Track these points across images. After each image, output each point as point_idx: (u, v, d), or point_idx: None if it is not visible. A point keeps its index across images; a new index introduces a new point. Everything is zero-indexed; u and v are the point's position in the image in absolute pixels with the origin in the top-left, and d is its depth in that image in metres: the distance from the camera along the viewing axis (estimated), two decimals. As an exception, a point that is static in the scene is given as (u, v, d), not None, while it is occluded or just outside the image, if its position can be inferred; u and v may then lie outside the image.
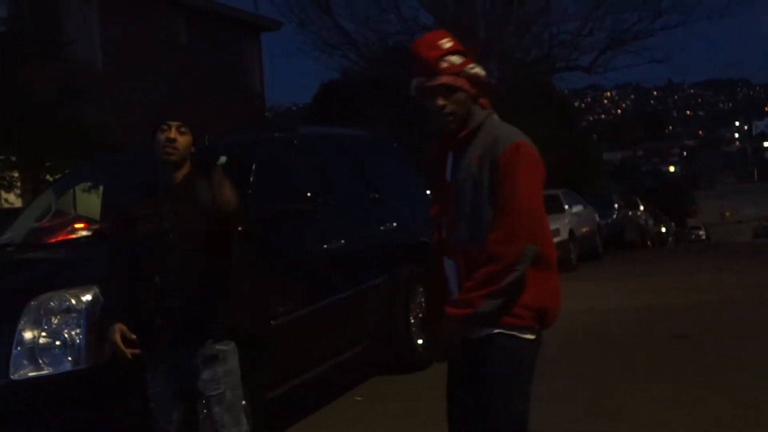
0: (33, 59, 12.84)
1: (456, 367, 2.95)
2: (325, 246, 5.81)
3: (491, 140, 2.80)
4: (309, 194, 5.33)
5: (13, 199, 13.39)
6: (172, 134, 3.52)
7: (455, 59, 2.80)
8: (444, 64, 2.78)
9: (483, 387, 2.83)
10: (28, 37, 13.25)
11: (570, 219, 16.77)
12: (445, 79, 2.77)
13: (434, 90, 2.78)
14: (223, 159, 3.68)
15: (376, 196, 6.91)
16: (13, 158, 13.13)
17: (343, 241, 6.02)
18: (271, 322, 4.91)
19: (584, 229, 17.58)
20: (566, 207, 17.20)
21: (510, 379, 2.82)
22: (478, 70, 2.85)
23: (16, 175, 13.33)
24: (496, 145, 2.78)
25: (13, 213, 7.05)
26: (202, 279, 3.39)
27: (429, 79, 2.78)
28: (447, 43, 2.82)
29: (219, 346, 3.45)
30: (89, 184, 6.40)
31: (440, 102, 2.79)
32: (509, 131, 2.85)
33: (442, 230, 2.92)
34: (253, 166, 5.28)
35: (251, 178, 5.21)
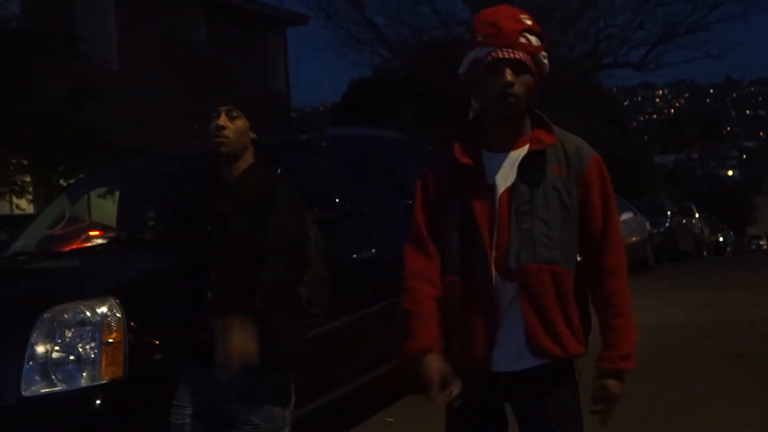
0: (46, 57, 13.00)
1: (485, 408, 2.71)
2: (354, 256, 5.82)
3: (569, 150, 2.68)
4: (337, 201, 5.34)
5: (25, 205, 13.58)
6: (221, 120, 3.33)
7: (533, 39, 2.62)
8: (522, 40, 2.59)
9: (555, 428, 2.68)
10: (40, 33, 13.43)
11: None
12: (521, 55, 2.57)
13: (504, 63, 2.56)
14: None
15: (410, 202, 6.92)
16: (25, 162, 13.32)
17: (374, 250, 6.03)
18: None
19: (633, 239, 17.42)
20: (614, 214, 17.07)
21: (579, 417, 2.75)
22: (547, 63, 2.68)
23: (27, 179, 13.51)
24: (578, 156, 2.67)
25: (25, 220, 7.16)
26: (248, 297, 3.16)
27: (502, 50, 2.56)
28: (528, 20, 2.63)
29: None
30: (105, 189, 6.47)
31: (509, 77, 2.56)
32: (581, 140, 2.75)
33: (490, 245, 2.61)
34: (278, 171, 5.30)
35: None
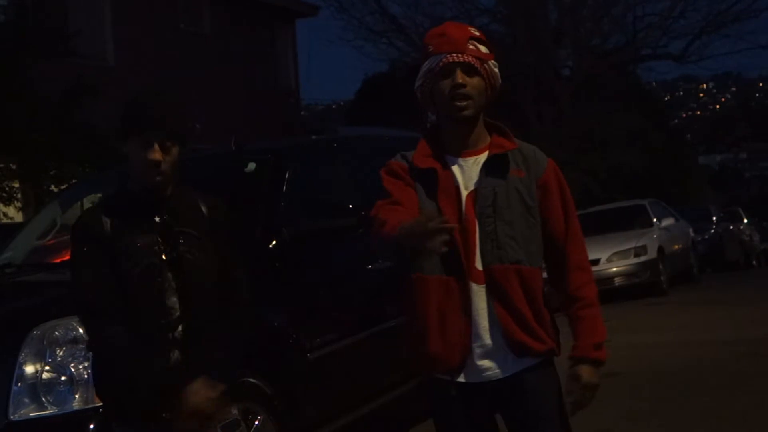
0: (36, 53, 13.05)
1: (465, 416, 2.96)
2: (369, 267, 5.82)
3: (526, 153, 3.03)
4: (351, 207, 5.34)
5: (13, 213, 13.63)
6: (157, 155, 2.99)
7: (482, 47, 2.99)
8: (470, 46, 2.96)
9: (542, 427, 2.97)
10: (30, 28, 13.49)
11: (659, 234, 16.58)
12: (469, 58, 2.93)
13: (455, 66, 2.93)
14: (251, 166, 3.68)
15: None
16: (13, 166, 13.37)
17: (390, 261, 6.02)
18: (308, 355, 4.93)
19: (676, 247, 17.36)
20: (654, 220, 17.03)
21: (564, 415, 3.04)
22: (498, 72, 3.04)
23: (16, 185, 13.56)
24: (535, 159, 3.03)
25: (13, 229, 7.19)
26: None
27: (452, 55, 2.93)
28: (476, 31, 3.02)
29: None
30: (99, 195, 6.49)
31: (459, 78, 2.92)
32: (533, 147, 3.10)
33: (459, 249, 2.86)
34: (287, 174, 5.32)
35: (284, 188, 5.24)
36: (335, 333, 5.27)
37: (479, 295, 2.90)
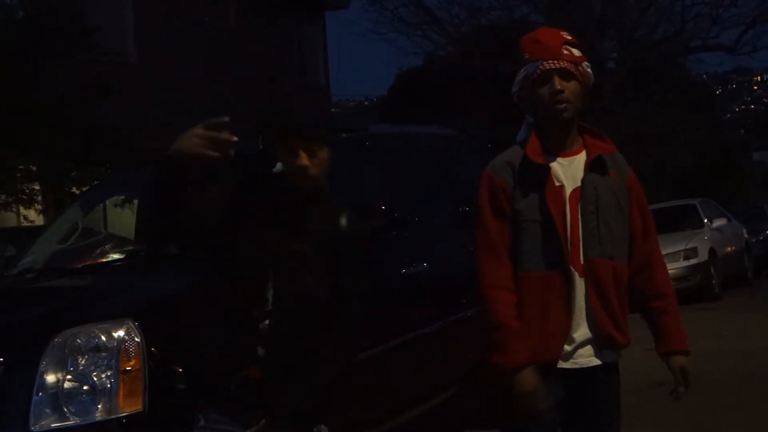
0: (55, 50, 13.16)
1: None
2: (403, 271, 5.83)
3: (617, 159, 3.40)
4: (383, 208, 5.35)
5: (34, 216, 13.77)
6: (304, 161, 3.14)
7: (575, 51, 3.30)
8: (565, 51, 3.27)
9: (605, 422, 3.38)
10: (48, 24, 13.60)
11: (710, 236, 16.48)
12: (566, 64, 3.25)
13: (553, 73, 3.24)
14: (280, 166, 3.66)
15: (467, 209, 6.91)
16: (33, 168, 13.50)
17: (425, 264, 6.03)
18: (339, 363, 4.94)
19: (729, 249, 17.23)
20: (705, 221, 16.91)
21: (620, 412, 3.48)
22: (591, 73, 3.34)
23: (36, 187, 13.70)
24: (622, 164, 3.41)
25: (34, 232, 7.26)
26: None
27: (548, 62, 3.24)
28: (568, 35, 3.33)
29: None
30: (122, 197, 6.54)
31: (558, 85, 3.23)
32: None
33: (566, 241, 3.25)
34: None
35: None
36: (367, 340, 5.28)
37: (578, 288, 3.26)
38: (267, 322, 3.10)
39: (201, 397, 3.23)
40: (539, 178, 3.27)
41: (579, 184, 3.29)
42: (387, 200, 5.51)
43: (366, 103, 40.78)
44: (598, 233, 3.26)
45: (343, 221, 3.27)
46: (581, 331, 3.26)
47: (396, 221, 5.44)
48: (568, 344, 3.26)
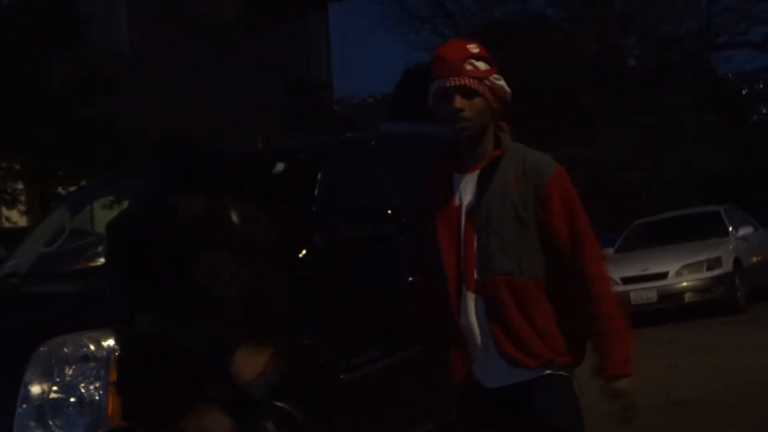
0: (44, 42, 13.15)
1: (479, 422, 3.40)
2: (410, 279, 5.83)
3: (529, 165, 3.36)
4: (390, 212, 5.36)
5: (17, 217, 13.77)
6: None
7: (480, 65, 3.37)
8: (468, 67, 3.34)
9: None
10: (37, 13, 13.60)
11: (735, 245, 16.40)
12: (466, 81, 3.32)
13: (453, 90, 3.33)
14: (280, 166, 3.72)
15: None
16: (17, 166, 13.50)
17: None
18: (341, 376, 4.94)
19: (755, 259, 17.16)
20: (730, 229, 16.83)
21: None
22: (503, 84, 3.40)
23: (20, 187, 13.70)
24: (537, 170, 3.35)
25: (18, 234, 7.27)
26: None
27: (449, 79, 3.32)
28: (474, 48, 3.39)
29: None
30: (111, 198, 6.55)
31: (458, 103, 3.32)
32: (542, 155, 3.42)
33: (454, 261, 3.35)
34: (319, 176, 5.34)
35: (316, 191, 5.27)
36: (372, 352, 5.29)
37: (473, 306, 3.33)
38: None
39: None
40: (435, 201, 3.44)
41: (471, 200, 3.37)
42: (395, 204, 5.51)
43: (370, 100, 40.71)
44: (488, 249, 3.31)
45: (235, 218, 3.41)
46: (479, 350, 3.33)
47: (404, 226, 5.43)
48: (477, 364, 3.34)
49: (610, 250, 16.11)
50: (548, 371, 3.31)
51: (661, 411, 7.33)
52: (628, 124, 24.68)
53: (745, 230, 17.04)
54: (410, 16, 24.71)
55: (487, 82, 3.35)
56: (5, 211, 13.71)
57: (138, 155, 12.42)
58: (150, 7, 19.11)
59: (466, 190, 3.39)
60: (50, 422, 3.95)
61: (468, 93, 3.33)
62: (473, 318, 3.33)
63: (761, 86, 41.64)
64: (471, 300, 3.33)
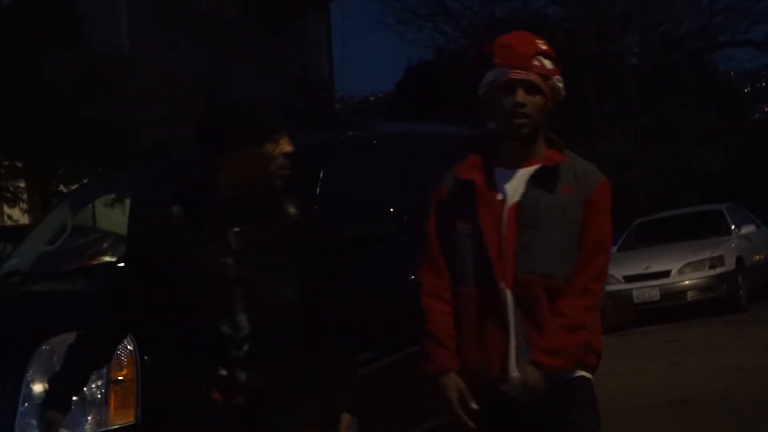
0: (44, 41, 13.16)
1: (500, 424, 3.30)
2: (413, 278, 5.83)
3: (579, 171, 3.33)
4: (392, 211, 5.36)
5: (18, 215, 13.78)
6: (289, 147, 3.20)
7: (547, 63, 3.30)
8: (536, 62, 3.26)
9: None
10: (37, 13, 13.61)
11: (737, 243, 16.41)
12: (533, 77, 3.24)
13: (517, 84, 3.24)
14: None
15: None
16: (19, 164, 13.52)
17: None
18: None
19: (757, 257, 17.17)
20: (733, 227, 16.84)
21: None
22: (562, 87, 3.34)
23: (22, 185, 13.71)
24: (586, 179, 3.33)
25: (19, 233, 7.27)
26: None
27: (516, 71, 3.23)
28: (543, 45, 3.32)
29: None
30: (113, 196, 6.55)
31: (520, 98, 3.23)
32: (590, 164, 3.40)
33: (496, 257, 3.25)
34: (321, 175, 5.35)
35: (318, 191, 5.27)
36: (374, 351, 5.29)
37: (510, 305, 3.24)
38: (246, 347, 3.07)
39: None
40: (473, 193, 3.30)
41: (519, 198, 3.28)
42: (396, 203, 5.51)
43: (371, 98, 40.72)
44: (531, 249, 3.23)
45: (294, 212, 3.24)
46: (517, 353, 3.24)
47: (405, 225, 5.44)
48: (508, 364, 3.24)
49: (612, 249, 16.12)
50: (580, 374, 3.29)
51: (662, 409, 7.34)
52: (629, 124, 24.68)
53: (747, 229, 17.04)
54: (411, 14, 24.72)
55: (550, 81, 3.29)
56: (7, 210, 13.71)
57: (137, 154, 12.44)
58: (150, 7, 19.11)
59: (513, 187, 3.30)
60: (52, 421, 3.94)
61: (532, 89, 3.25)
62: (510, 317, 3.24)
63: (763, 84, 41.62)
64: (507, 298, 3.24)
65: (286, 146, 3.17)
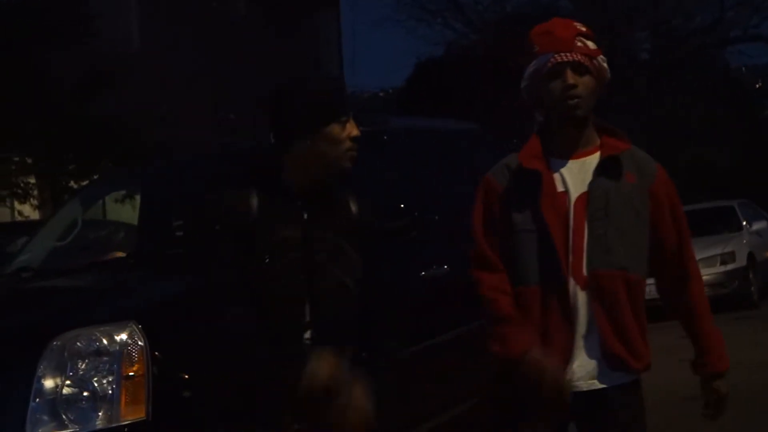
0: (54, 37, 13.18)
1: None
2: (423, 273, 5.84)
3: (639, 160, 3.26)
4: (402, 207, 5.36)
5: (29, 211, 13.82)
6: (356, 130, 3.32)
7: (590, 43, 3.23)
8: (579, 43, 3.19)
9: None
10: (47, 9, 13.63)
11: (749, 239, 16.41)
12: (579, 57, 3.16)
13: (564, 66, 3.15)
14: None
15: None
16: (29, 160, 13.56)
17: (446, 267, 6.03)
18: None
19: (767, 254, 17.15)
20: (744, 223, 16.84)
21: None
22: (607, 66, 3.26)
23: (32, 181, 13.75)
24: (648, 166, 3.27)
25: (30, 228, 7.29)
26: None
27: (561, 54, 3.15)
28: (581, 27, 3.24)
29: None
30: (123, 192, 6.57)
31: (570, 79, 3.14)
32: (643, 151, 3.35)
33: (564, 252, 3.12)
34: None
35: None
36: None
37: (582, 302, 3.13)
38: (307, 334, 3.15)
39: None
40: (535, 185, 3.18)
41: (586, 188, 3.17)
42: (406, 198, 5.51)
43: (381, 94, 40.70)
44: (606, 241, 3.12)
45: (356, 209, 3.35)
46: (587, 350, 3.14)
47: (416, 221, 5.44)
48: (573, 364, 3.13)
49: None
50: (639, 375, 3.26)
51: (673, 406, 7.32)
52: (640, 118, 24.61)
53: (758, 225, 17.04)
54: (421, 9, 24.68)
55: (595, 61, 3.22)
56: (18, 206, 13.75)
57: (146, 151, 12.47)
58: (160, 4, 19.12)
59: (574, 178, 3.19)
60: (63, 416, 3.95)
61: (580, 69, 3.17)
62: (580, 315, 3.13)
63: (775, 80, 41.45)
64: (579, 295, 3.13)
65: (353, 129, 3.26)
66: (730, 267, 15.41)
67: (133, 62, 17.26)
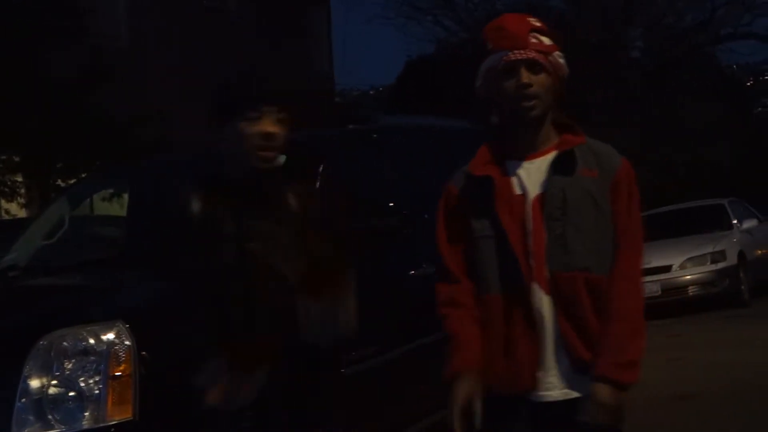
0: (43, 33, 13.14)
1: None
2: (412, 272, 5.83)
3: (598, 153, 3.12)
4: (392, 205, 5.35)
5: (16, 210, 13.78)
6: (270, 128, 3.14)
7: (545, 39, 3.10)
8: (533, 40, 3.07)
9: None
10: (37, 6, 13.59)
11: (739, 238, 16.41)
12: (533, 54, 3.04)
13: (519, 64, 3.03)
14: (280, 159, 3.68)
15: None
16: (16, 158, 13.52)
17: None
18: (342, 370, 4.94)
19: (759, 252, 17.15)
20: (734, 222, 16.84)
21: None
22: (564, 63, 3.13)
23: (19, 179, 13.71)
24: (609, 158, 3.11)
25: (17, 227, 7.27)
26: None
27: (513, 52, 3.04)
28: (536, 22, 3.12)
29: None
30: (111, 191, 6.55)
31: (525, 78, 3.02)
32: (605, 144, 3.19)
33: (524, 256, 3.02)
34: (320, 169, 5.34)
35: (317, 185, 5.26)
36: (373, 347, 5.28)
37: (547, 307, 3.01)
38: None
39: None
40: (489, 191, 3.07)
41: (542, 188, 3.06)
42: (396, 197, 5.51)
43: (371, 92, 40.77)
44: (564, 241, 3.00)
45: (296, 203, 3.27)
46: (557, 358, 3.01)
47: (405, 219, 5.43)
48: (541, 373, 3.01)
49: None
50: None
51: (664, 405, 7.34)
52: (634, 117, 24.65)
53: (749, 223, 17.04)
54: (412, 7, 24.69)
55: (551, 58, 3.08)
56: (4, 204, 13.71)
57: (136, 149, 12.44)
58: (150, 0, 19.10)
59: (531, 179, 3.07)
60: (49, 416, 3.95)
61: (535, 67, 3.04)
62: (546, 321, 3.01)
63: (766, 78, 41.62)
64: (541, 299, 3.01)
65: (267, 126, 3.11)
66: (720, 266, 15.42)
67: (123, 58, 17.24)
